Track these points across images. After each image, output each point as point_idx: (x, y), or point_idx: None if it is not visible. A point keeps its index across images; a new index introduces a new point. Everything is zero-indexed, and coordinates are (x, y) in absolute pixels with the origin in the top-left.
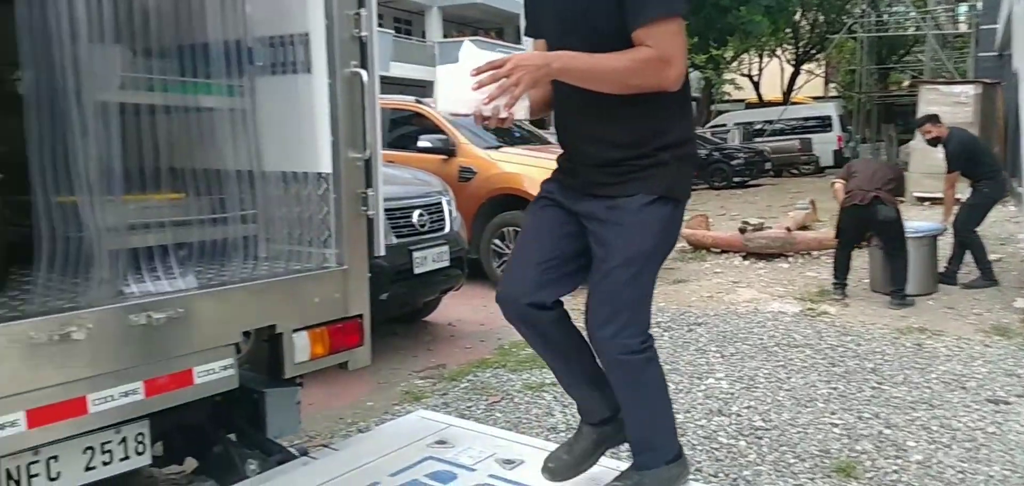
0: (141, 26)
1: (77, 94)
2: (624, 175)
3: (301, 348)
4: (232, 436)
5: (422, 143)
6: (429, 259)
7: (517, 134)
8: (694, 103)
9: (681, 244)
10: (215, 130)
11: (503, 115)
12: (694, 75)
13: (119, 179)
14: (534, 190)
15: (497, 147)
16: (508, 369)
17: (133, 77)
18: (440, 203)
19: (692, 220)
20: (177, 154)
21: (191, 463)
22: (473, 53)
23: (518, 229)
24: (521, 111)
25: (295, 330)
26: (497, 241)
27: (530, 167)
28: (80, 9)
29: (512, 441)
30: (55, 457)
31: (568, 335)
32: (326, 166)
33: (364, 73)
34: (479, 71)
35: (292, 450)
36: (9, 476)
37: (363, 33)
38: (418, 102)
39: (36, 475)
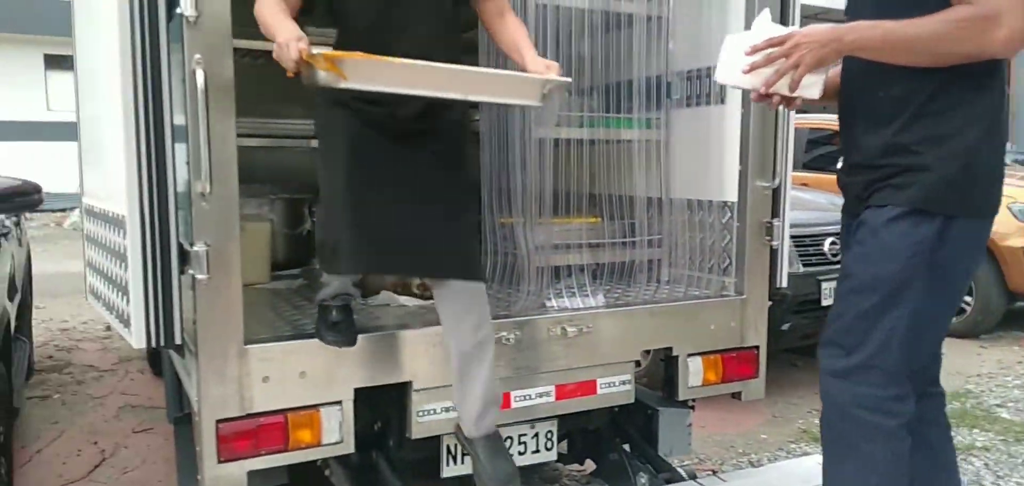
0: (577, 69)
1: (522, 132)
2: (881, 181)
3: (694, 373)
4: (626, 447)
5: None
6: None
7: None
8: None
9: None
10: (630, 160)
11: (790, 93)
12: None
13: (548, 204)
14: None
15: None
16: None
17: (567, 115)
18: None
19: None
20: (595, 182)
21: (590, 465)
22: (766, 26)
23: None
24: (814, 90)
25: (690, 354)
26: None
27: None
28: None
29: None
30: None
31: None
32: (731, 195)
33: None
34: (756, 50)
35: (681, 471)
36: (448, 451)
37: None
38: None
39: (467, 453)
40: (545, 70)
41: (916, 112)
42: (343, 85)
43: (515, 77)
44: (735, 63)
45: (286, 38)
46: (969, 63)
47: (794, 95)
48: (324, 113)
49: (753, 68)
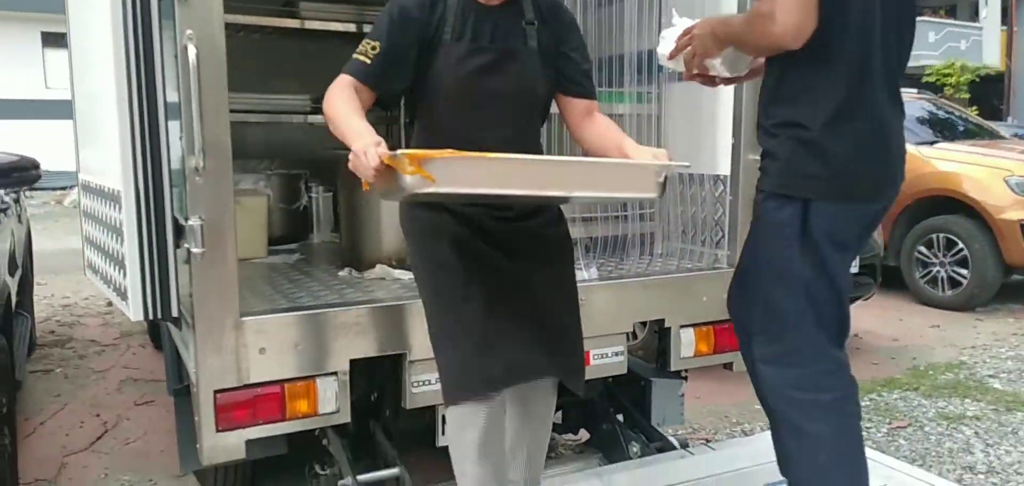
0: None
1: None
2: (760, 163)
3: (686, 344)
4: (620, 417)
5: None
6: None
7: (961, 127)
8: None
9: None
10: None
11: (710, 73)
12: None
13: None
14: (975, 193)
15: (931, 142)
16: (921, 393)
17: None
18: None
19: None
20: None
21: (584, 435)
22: (684, 20)
23: (950, 236)
24: (720, 70)
25: (682, 326)
26: (923, 248)
27: (972, 166)
28: None
29: (914, 477)
30: None
31: None
32: (724, 168)
33: None
34: (677, 39)
35: (673, 440)
36: (443, 421)
37: None
38: None
39: None
40: (652, 158)
41: (772, 96)
42: (431, 190)
43: (628, 166)
44: (665, 49)
45: (363, 146)
46: (812, 46)
47: (711, 74)
48: (409, 214)
49: (672, 56)
